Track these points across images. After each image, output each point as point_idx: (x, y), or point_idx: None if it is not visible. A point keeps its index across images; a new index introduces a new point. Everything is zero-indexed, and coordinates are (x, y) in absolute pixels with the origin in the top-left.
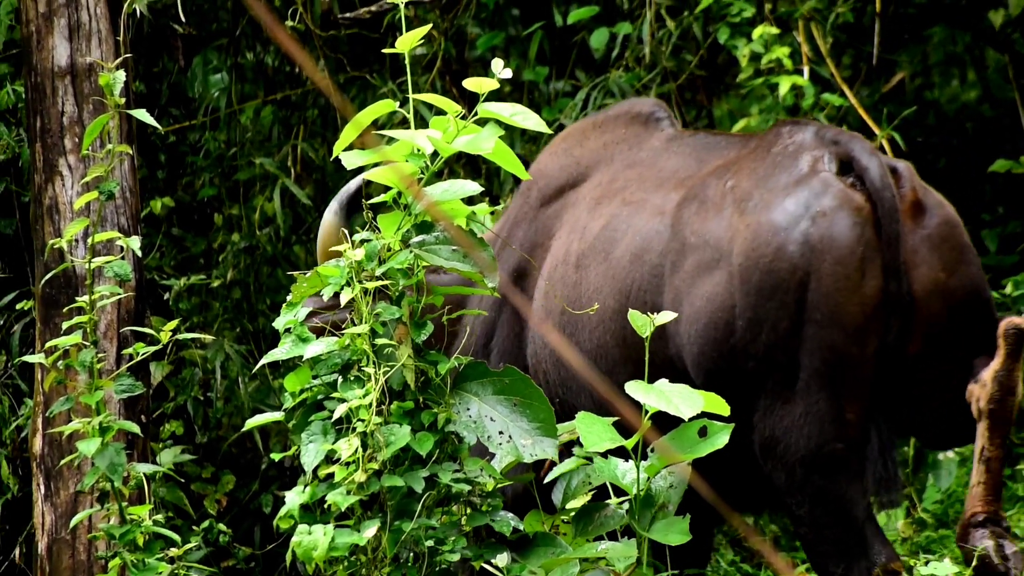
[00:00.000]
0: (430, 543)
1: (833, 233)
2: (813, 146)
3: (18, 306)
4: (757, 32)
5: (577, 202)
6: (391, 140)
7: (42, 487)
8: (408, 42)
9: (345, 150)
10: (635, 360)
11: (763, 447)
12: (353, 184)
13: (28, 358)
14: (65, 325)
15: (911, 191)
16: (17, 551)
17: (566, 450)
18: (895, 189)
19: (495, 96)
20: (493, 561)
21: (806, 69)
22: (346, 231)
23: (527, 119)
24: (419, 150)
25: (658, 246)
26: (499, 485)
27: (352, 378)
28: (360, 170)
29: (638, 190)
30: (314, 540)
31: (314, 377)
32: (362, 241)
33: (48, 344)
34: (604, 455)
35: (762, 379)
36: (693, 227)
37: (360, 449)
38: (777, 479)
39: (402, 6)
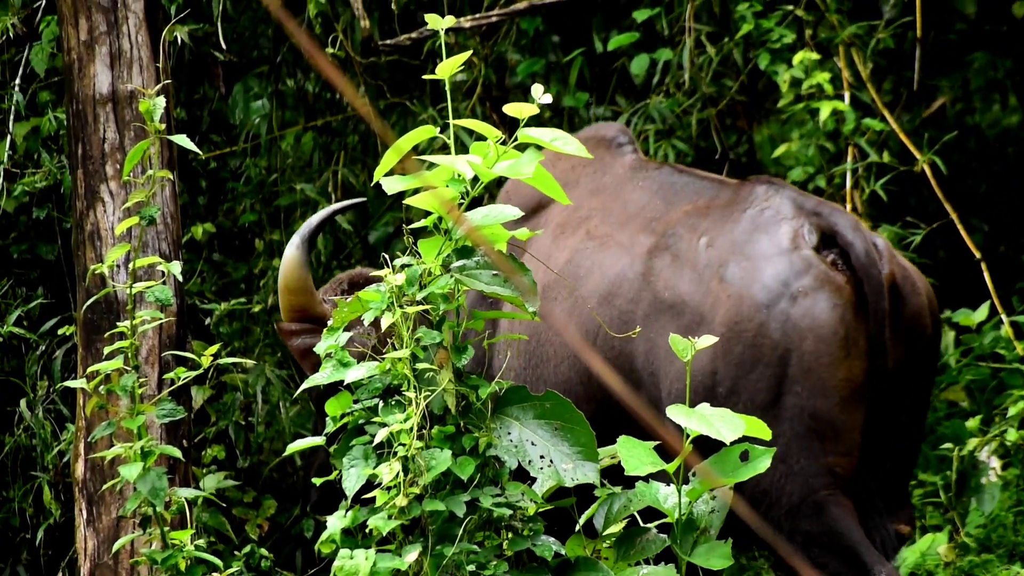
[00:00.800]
0: (472, 567)
1: (814, 313)
2: (792, 215)
3: (60, 331)
4: (798, 58)
5: (544, 226)
6: (432, 165)
7: (84, 512)
8: (448, 68)
9: (386, 175)
10: (598, 399)
11: (749, 504)
12: (315, 219)
13: (70, 383)
14: (107, 350)
15: (890, 272)
16: None
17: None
18: (880, 266)
19: (535, 122)
20: None
21: (847, 94)
22: (306, 265)
23: (567, 144)
24: (460, 175)
25: (628, 292)
26: (540, 509)
27: (393, 403)
28: (325, 204)
29: (602, 224)
30: (356, 565)
31: (355, 402)
32: (403, 266)
33: (90, 369)
34: (644, 479)
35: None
36: (667, 282)
37: (401, 473)
38: (767, 532)
39: (442, 33)
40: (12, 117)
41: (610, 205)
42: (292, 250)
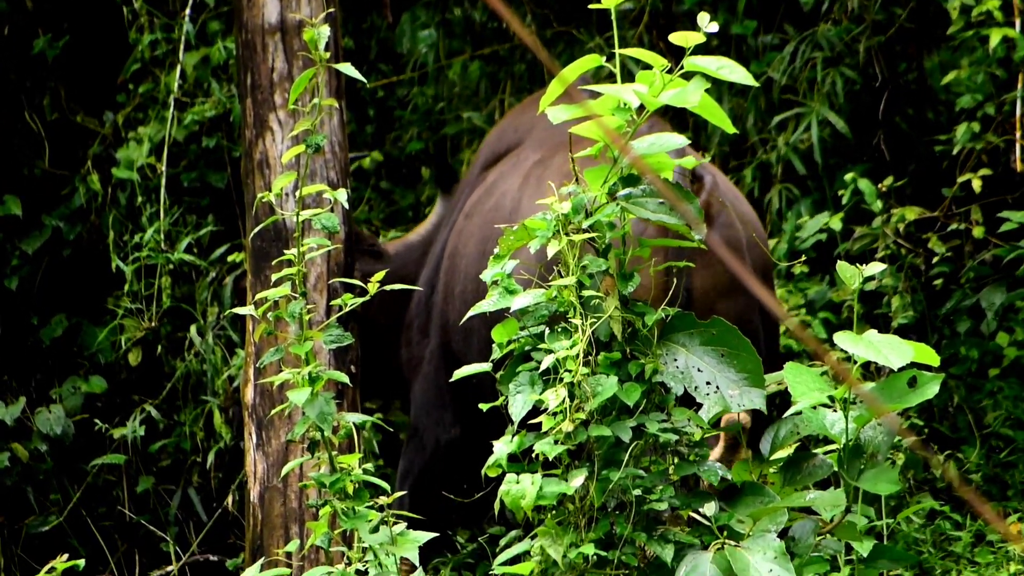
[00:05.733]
0: (638, 492)
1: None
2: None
3: (229, 258)
4: None
5: (503, 169)
6: (597, 94)
7: (254, 436)
8: None
9: (551, 105)
10: None
11: None
12: None
13: (239, 310)
14: (275, 277)
15: (706, 203)
16: (230, 499)
17: None
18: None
19: (702, 50)
20: (701, 510)
21: (1018, 21)
22: None
23: (734, 73)
24: (625, 104)
25: (509, 206)
26: (706, 435)
27: (559, 329)
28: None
29: (530, 152)
30: (522, 489)
31: (521, 328)
32: (569, 194)
33: (258, 296)
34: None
35: None
36: (533, 195)
37: (567, 399)
38: None
39: None
40: (182, 47)
41: (546, 139)
42: None
